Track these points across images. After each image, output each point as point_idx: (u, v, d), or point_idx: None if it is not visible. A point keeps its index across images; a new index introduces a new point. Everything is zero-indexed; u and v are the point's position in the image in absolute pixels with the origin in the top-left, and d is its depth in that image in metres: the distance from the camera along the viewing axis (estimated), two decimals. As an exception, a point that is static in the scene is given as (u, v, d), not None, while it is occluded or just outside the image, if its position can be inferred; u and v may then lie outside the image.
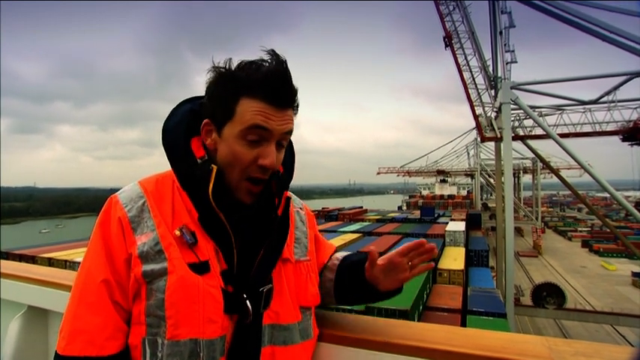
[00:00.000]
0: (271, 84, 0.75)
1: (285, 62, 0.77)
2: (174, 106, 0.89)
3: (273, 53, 0.77)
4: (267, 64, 0.77)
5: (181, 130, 0.84)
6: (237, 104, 0.76)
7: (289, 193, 0.95)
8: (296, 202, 1.01)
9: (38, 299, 1.41)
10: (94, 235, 0.80)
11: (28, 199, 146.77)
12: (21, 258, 13.50)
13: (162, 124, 0.87)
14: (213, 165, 0.78)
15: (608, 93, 16.47)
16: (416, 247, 0.88)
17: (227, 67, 0.78)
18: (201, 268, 0.76)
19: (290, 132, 0.81)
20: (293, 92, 0.79)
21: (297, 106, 0.83)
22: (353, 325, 1.00)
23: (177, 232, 0.76)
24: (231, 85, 0.77)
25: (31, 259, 13.25)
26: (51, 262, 12.71)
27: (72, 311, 0.76)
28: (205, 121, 0.81)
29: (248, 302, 0.78)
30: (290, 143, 0.92)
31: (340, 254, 1.09)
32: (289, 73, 0.78)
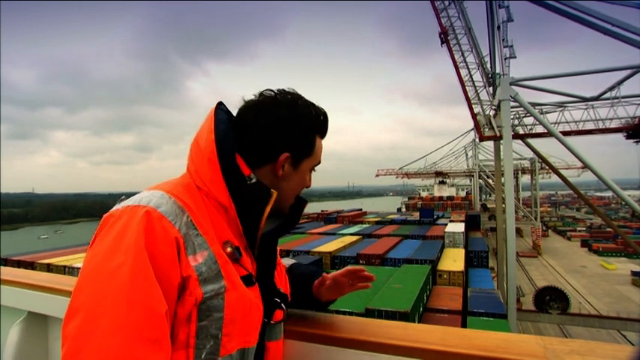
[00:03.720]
0: (327, 125, 0.91)
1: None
2: (212, 110, 0.86)
3: (303, 99, 0.88)
4: (313, 106, 0.87)
5: (229, 142, 0.81)
6: (316, 142, 0.88)
7: None
8: None
9: (38, 305, 1.41)
10: (137, 258, 0.65)
11: (27, 204, 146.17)
12: (20, 264, 13.48)
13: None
14: (273, 190, 0.82)
15: (611, 89, 15.84)
16: (357, 272, 1.01)
17: (291, 101, 0.85)
18: (249, 280, 0.79)
19: None
20: None
21: None
22: (317, 322, 1.03)
23: (229, 249, 0.76)
24: (310, 124, 0.87)
25: (30, 265, 13.24)
26: (50, 268, 12.70)
27: (128, 353, 0.60)
28: (287, 155, 0.84)
29: (283, 305, 0.88)
30: None
31: (286, 261, 1.15)
32: None
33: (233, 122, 0.85)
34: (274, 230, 0.89)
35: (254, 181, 0.81)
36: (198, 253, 0.71)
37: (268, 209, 0.80)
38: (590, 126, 17.17)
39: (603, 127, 16.99)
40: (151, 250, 0.66)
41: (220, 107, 0.87)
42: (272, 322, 0.86)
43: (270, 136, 0.82)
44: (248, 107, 0.84)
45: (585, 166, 15.23)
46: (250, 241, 0.82)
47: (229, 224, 0.79)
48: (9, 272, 1.59)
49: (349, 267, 1.04)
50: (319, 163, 0.91)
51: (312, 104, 0.88)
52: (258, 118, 0.82)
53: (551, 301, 19.92)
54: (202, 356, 0.70)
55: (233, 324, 0.73)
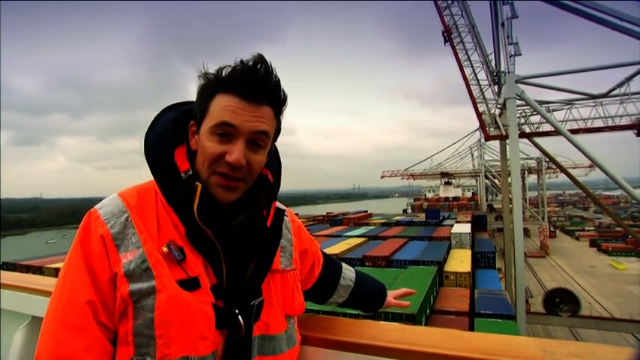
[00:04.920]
0: (242, 78, 0.75)
1: (261, 57, 0.76)
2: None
3: (257, 54, 0.77)
4: (242, 62, 0.76)
5: (165, 141, 0.82)
6: (212, 101, 0.77)
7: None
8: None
9: (42, 309, 1.42)
10: (73, 252, 0.76)
11: (35, 209, 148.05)
12: (28, 269, 13.60)
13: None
14: (198, 183, 0.77)
15: (620, 85, 15.43)
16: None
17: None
18: (191, 284, 0.74)
19: (264, 132, 0.78)
20: (267, 87, 0.77)
21: (280, 105, 0.81)
22: (337, 328, 1.01)
23: (165, 249, 0.74)
24: (209, 83, 0.78)
25: (39, 270, 13.34)
26: (58, 273, 12.78)
27: (54, 336, 0.70)
28: (191, 122, 0.82)
29: (240, 317, 0.77)
30: (276, 151, 0.93)
31: (348, 273, 1.22)
32: (266, 68, 0.76)
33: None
34: (234, 227, 0.81)
35: (188, 175, 0.79)
36: (129, 251, 0.74)
37: (196, 204, 0.76)
38: (599, 123, 16.68)
39: (613, 124, 16.48)
40: (83, 246, 0.75)
41: (176, 108, 0.87)
42: (238, 336, 0.78)
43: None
44: None
45: (595, 165, 14.84)
46: (203, 242, 0.78)
47: (175, 226, 0.78)
48: (11, 277, 1.61)
49: (406, 290, 1.36)
50: (223, 123, 0.75)
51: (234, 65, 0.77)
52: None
53: (561, 303, 19.45)
54: (140, 354, 0.71)
55: (166, 327, 0.71)
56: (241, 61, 0.76)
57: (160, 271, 0.73)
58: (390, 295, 1.29)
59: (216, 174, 0.77)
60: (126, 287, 0.71)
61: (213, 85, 0.77)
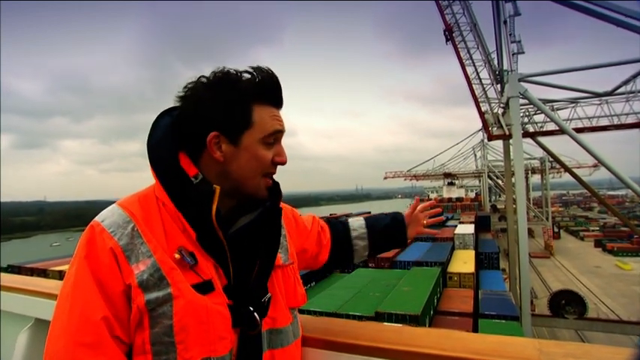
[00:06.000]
0: (274, 90, 0.83)
1: (269, 68, 0.83)
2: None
3: (257, 66, 0.82)
4: (260, 72, 0.81)
5: (167, 146, 0.81)
6: (253, 112, 0.80)
7: None
8: None
9: (45, 312, 1.43)
10: (79, 268, 0.73)
11: (39, 212, 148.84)
12: (33, 271, 13.69)
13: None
14: (215, 185, 0.78)
15: (626, 82, 15.12)
16: (426, 206, 1.27)
17: (218, 76, 0.79)
18: (205, 287, 0.75)
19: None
20: (281, 93, 0.86)
21: None
22: (336, 329, 1.01)
23: (177, 255, 0.74)
24: (239, 94, 0.79)
25: (43, 272, 13.43)
26: (62, 275, 12.84)
27: (68, 356, 0.68)
28: (214, 134, 0.78)
29: (256, 314, 0.80)
30: None
31: (356, 222, 1.23)
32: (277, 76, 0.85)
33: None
34: (244, 228, 0.84)
35: (200, 179, 0.79)
36: (140, 261, 0.73)
37: (214, 207, 0.77)
38: (604, 122, 16.48)
39: (618, 122, 16.26)
40: (90, 261, 0.72)
41: (170, 112, 0.85)
42: (253, 332, 0.80)
43: (195, 121, 0.80)
44: (184, 100, 0.82)
45: (600, 164, 14.57)
46: (213, 245, 0.78)
47: (183, 231, 0.78)
48: (14, 280, 1.62)
49: (423, 204, 1.27)
50: (276, 132, 0.82)
51: (252, 72, 0.81)
52: (186, 108, 0.81)
53: (567, 305, 19.16)
54: None
55: (185, 332, 0.72)
56: (265, 75, 0.82)
57: (175, 278, 0.73)
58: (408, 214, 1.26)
59: (265, 177, 0.84)
60: (141, 298, 0.71)
61: (247, 96, 0.80)
